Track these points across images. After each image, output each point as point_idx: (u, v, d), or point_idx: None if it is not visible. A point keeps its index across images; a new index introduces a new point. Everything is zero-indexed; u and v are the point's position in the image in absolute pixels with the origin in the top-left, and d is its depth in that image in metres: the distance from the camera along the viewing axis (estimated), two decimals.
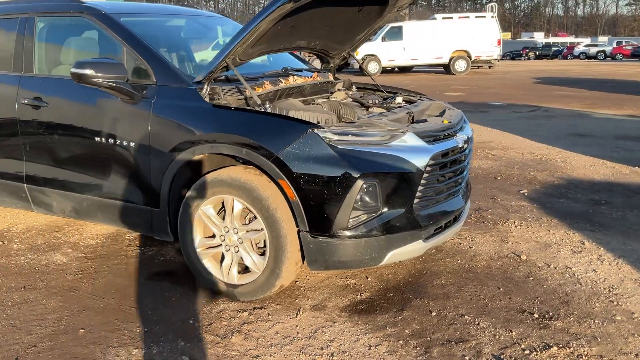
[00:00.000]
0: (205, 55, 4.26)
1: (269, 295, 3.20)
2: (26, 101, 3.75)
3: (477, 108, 12.36)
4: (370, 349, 2.76)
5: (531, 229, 4.37)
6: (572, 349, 2.71)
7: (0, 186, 4.07)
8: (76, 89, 3.47)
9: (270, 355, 2.71)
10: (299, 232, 3.01)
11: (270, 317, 3.08)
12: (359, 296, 3.31)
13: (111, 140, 3.43)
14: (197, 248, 3.28)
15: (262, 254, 3.13)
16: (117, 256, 3.92)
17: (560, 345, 2.74)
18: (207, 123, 3.17)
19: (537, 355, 2.67)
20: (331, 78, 4.31)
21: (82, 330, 2.95)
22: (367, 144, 2.99)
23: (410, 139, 3.07)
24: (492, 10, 26.69)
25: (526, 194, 5.34)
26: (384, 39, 25.88)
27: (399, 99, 4.14)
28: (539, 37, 71.23)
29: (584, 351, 2.70)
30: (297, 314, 3.10)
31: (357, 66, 25.64)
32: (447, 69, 26.04)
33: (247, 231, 3.13)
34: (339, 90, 4.27)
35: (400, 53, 25.77)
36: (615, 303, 3.17)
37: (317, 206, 2.93)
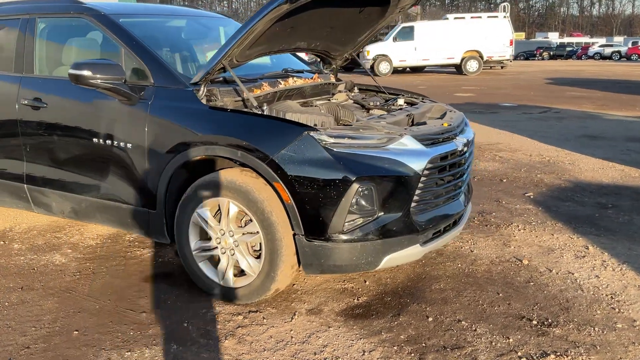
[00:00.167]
0: (207, 56, 4.24)
1: (265, 298, 3.17)
2: (26, 102, 3.76)
3: (487, 109, 12.26)
4: (364, 354, 2.72)
5: (535, 232, 4.31)
6: (570, 357, 2.66)
7: (1, 186, 4.09)
8: (75, 90, 3.47)
9: None
10: (294, 235, 2.99)
11: (265, 320, 3.05)
12: (355, 300, 3.27)
13: (109, 142, 3.43)
14: (193, 250, 3.26)
15: (258, 257, 3.10)
16: (115, 257, 3.92)
17: (558, 354, 2.69)
18: (203, 125, 3.15)
19: None
20: (333, 79, 4.28)
21: (76, 332, 2.94)
22: (363, 147, 2.95)
23: (407, 142, 3.03)
24: (504, 10, 26.47)
25: (532, 196, 5.27)
26: (395, 39, 25.79)
27: (401, 101, 4.10)
28: (554, 37, 70.64)
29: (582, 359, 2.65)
30: (292, 318, 3.07)
31: (368, 66, 25.63)
32: (458, 69, 25.88)
33: (243, 234, 3.11)
34: (340, 91, 4.23)
35: (411, 53, 25.64)
36: (616, 310, 3.11)
37: (312, 209, 2.90)
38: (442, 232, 3.31)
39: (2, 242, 4.22)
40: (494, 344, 2.79)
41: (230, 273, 3.18)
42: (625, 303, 3.19)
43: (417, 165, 3.00)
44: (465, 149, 3.41)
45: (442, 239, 3.30)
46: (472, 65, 25.36)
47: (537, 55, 54.46)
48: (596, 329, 2.91)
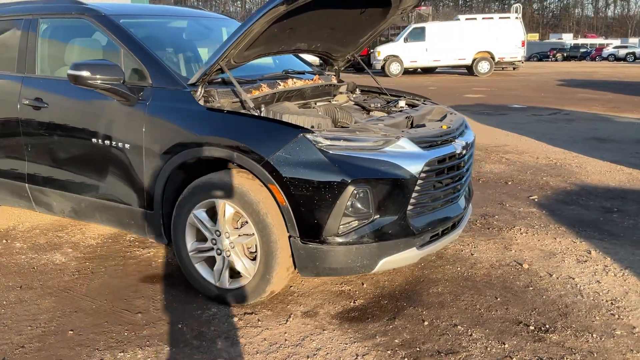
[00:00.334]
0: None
1: (260, 300, 3.16)
2: (27, 102, 3.79)
3: (496, 110, 12.18)
4: (357, 358, 2.70)
5: (537, 236, 4.26)
6: None
7: (3, 185, 4.12)
8: (74, 90, 3.48)
9: None
10: (289, 237, 2.98)
11: (259, 323, 3.04)
12: (352, 303, 3.25)
13: (107, 142, 3.44)
14: (189, 251, 3.26)
15: (254, 259, 3.09)
16: (115, 257, 3.93)
17: None
18: (199, 126, 3.15)
19: None
20: (334, 81, 4.26)
21: (71, 332, 2.95)
22: (359, 149, 2.94)
23: (404, 145, 3.01)
24: (516, 11, 26.30)
25: (536, 200, 5.22)
26: (406, 40, 25.74)
27: (402, 103, 4.08)
28: (568, 39, 70.05)
29: None
30: (287, 321, 3.06)
31: (379, 67, 25.56)
32: (470, 70, 25.77)
33: (239, 235, 3.10)
34: (341, 93, 4.21)
35: (422, 54, 25.56)
36: (616, 316, 3.06)
37: (307, 212, 2.89)
38: (440, 235, 3.28)
39: (5, 241, 4.25)
40: (489, 349, 2.76)
41: (226, 274, 3.17)
42: (625, 309, 3.14)
43: (414, 168, 2.98)
44: (465, 151, 3.38)
45: (440, 242, 3.27)
46: (483, 67, 25.22)
47: (551, 57, 54.03)
48: (594, 335, 2.87)
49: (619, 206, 5.00)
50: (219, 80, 3.45)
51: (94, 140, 3.50)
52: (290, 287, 3.44)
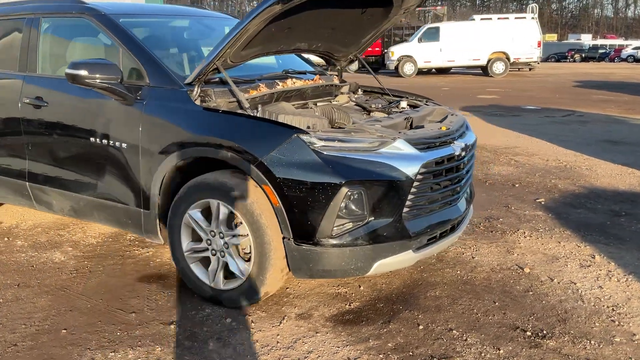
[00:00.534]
0: None
1: (254, 302, 3.14)
2: (28, 100, 3.80)
3: (509, 112, 12.05)
4: None
5: (541, 240, 4.19)
6: None
7: (5, 184, 4.14)
8: (74, 89, 3.48)
9: None
10: (283, 239, 2.95)
11: (253, 324, 3.02)
12: (347, 306, 3.22)
13: (105, 141, 3.44)
14: (185, 251, 3.25)
15: (248, 260, 3.07)
16: (114, 256, 3.93)
17: None
18: (194, 125, 3.13)
19: None
20: (336, 81, 4.22)
21: (65, 331, 2.95)
22: (354, 150, 2.90)
23: (400, 146, 2.97)
24: (532, 11, 26.03)
25: (543, 202, 5.14)
26: (420, 40, 25.57)
27: (403, 104, 4.03)
28: (586, 39, 69.23)
29: None
30: (280, 323, 3.03)
31: (392, 67, 25.44)
32: (484, 71, 25.55)
33: (233, 236, 3.08)
34: (342, 93, 4.17)
35: (436, 54, 25.37)
36: (616, 323, 2.99)
37: (300, 213, 2.86)
38: (438, 238, 3.23)
39: (6, 239, 4.28)
40: (483, 354, 2.71)
41: (220, 275, 3.15)
42: (626, 316, 3.07)
43: (410, 169, 2.93)
44: (464, 153, 3.32)
45: (437, 245, 3.22)
46: (498, 67, 25.00)
47: (569, 58, 53.42)
48: (592, 342, 2.81)
49: (628, 210, 4.91)
50: (217, 79, 3.43)
51: (92, 139, 3.50)
52: (286, 288, 3.41)
